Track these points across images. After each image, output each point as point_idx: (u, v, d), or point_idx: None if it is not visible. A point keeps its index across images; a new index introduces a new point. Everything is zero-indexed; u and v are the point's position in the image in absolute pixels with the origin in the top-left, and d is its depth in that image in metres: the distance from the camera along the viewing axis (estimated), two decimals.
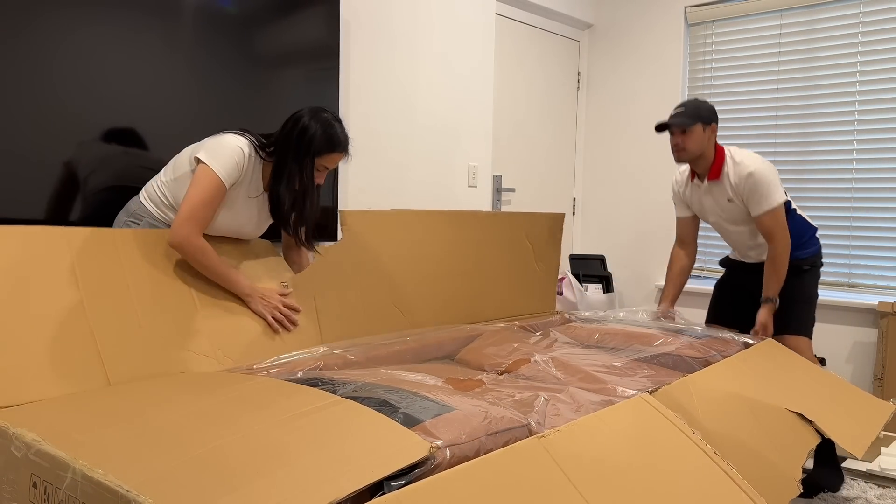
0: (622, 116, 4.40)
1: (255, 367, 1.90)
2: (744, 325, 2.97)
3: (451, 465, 1.26)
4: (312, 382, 1.60)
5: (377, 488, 1.16)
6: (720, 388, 1.89)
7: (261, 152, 2.09)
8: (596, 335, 2.44)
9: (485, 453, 1.30)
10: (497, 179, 3.93)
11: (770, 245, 2.75)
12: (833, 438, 1.89)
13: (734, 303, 3.04)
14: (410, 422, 1.35)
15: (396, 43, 3.25)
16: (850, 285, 3.66)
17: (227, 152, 1.99)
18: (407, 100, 3.32)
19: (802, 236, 2.90)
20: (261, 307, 2.07)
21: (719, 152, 2.79)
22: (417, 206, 3.41)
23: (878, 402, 2.28)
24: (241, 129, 2.10)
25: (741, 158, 2.75)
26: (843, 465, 2.83)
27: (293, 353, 2.01)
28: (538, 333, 2.55)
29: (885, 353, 3.38)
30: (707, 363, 2.16)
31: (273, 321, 2.07)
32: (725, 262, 3.13)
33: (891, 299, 3.48)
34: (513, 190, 4.05)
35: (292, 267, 2.35)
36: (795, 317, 2.84)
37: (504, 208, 4.01)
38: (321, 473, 1.14)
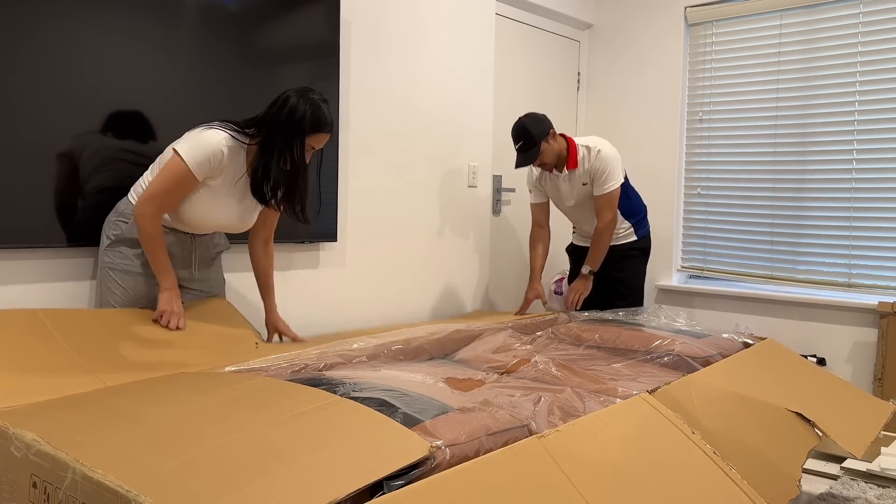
0: (622, 116, 4.39)
1: (254, 366, 1.90)
2: (607, 305, 3.34)
3: (451, 464, 1.26)
4: (313, 382, 1.60)
5: (377, 488, 1.16)
6: (720, 387, 1.89)
7: (241, 137, 2.10)
8: (596, 335, 2.44)
9: (485, 453, 1.30)
10: (497, 179, 3.93)
11: (599, 219, 3.13)
12: (833, 438, 1.89)
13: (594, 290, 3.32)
14: (410, 422, 1.36)
15: (396, 42, 3.25)
16: (850, 285, 3.66)
17: (202, 148, 2.03)
18: (407, 99, 3.32)
19: (637, 214, 3.30)
20: (165, 304, 2.09)
21: (571, 145, 3.12)
22: (417, 206, 3.41)
23: (877, 401, 2.28)
24: (222, 121, 2.12)
25: (593, 143, 3.10)
26: (843, 464, 2.83)
27: (290, 354, 2.01)
28: (538, 333, 2.56)
29: (885, 353, 3.38)
30: (707, 363, 2.16)
31: (161, 318, 2.08)
32: (571, 248, 3.52)
33: (891, 299, 3.48)
34: (513, 190, 4.05)
35: (257, 267, 2.40)
36: (625, 305, 3.26)
37: (504, 208, 4.01)
38: (321, 473, 1.14)
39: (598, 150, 3.08)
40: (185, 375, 1.71)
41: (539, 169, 3.23)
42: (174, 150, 2.05)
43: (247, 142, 2.12)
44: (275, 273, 2.84)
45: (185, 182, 2.04)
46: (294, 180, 2.12)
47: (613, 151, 3.11)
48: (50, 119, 2.15)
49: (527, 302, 3.34)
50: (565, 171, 3.13)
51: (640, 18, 4.30)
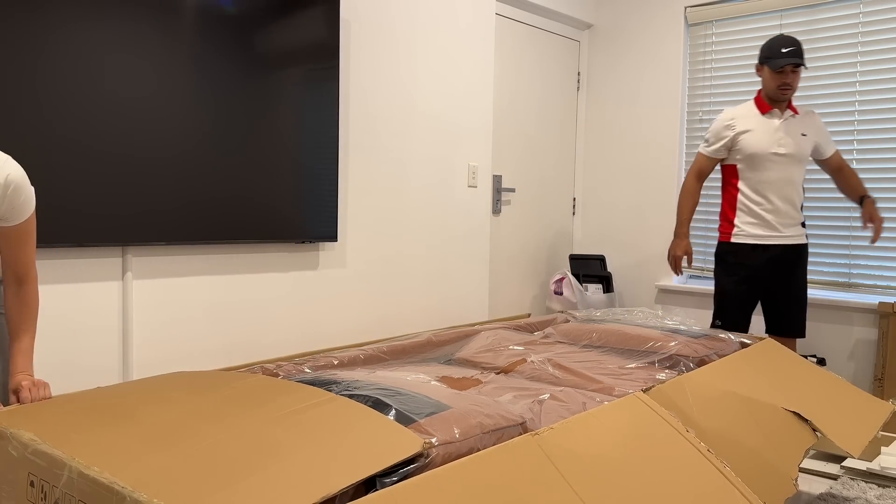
0: (622, 116, 4.40)
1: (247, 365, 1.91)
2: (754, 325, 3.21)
3: (444, 463, 1.26)
4: (308, 381, 1.61)
5: (371, 485, 1.17)
6: (716, 386, 1.89)
7: None
8: (593, 335, 2.44)
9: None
10: (497, 179, 3.93)
11: (848, 166, 3.15)
12: (830, 437, 1.89)
13: (753, 303, 3.10)
14: (405, 420, 1.36)
15: (396, 42, 3.26)
16: (850, 285, 3.66)
17: None
18: (407, 99, 3.32)
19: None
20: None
21: None
22: (417, 206, 3.41)
23: (876, 401, 2.28)
24: None
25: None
26: (844, 464, 2.83)
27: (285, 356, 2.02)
28: (536, 333, 2.56)
29: (885, 353, 3.38)
30: (703, 363, 2.16)
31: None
32: (755, 256, 3.06)
33: (891, 299, 3.48)
34: (513, 190, 4.05)
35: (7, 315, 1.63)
36: (799, 317, 3.08)
37: (504, 208, 4.01)
38: (315, 469, 1.15)
39: (814, 111, 3.11)
40: (181, 374, 1.72)
41: (738, 115, 3.08)
42: None
43: None
44: (274, 274, 2.84)
45: None
46: None
47: None
48: (44, 122, 2.16)
49: (677, 259, 3.17)
50: (788, 112, 3.04)
51: (640, 18, 4.30)
